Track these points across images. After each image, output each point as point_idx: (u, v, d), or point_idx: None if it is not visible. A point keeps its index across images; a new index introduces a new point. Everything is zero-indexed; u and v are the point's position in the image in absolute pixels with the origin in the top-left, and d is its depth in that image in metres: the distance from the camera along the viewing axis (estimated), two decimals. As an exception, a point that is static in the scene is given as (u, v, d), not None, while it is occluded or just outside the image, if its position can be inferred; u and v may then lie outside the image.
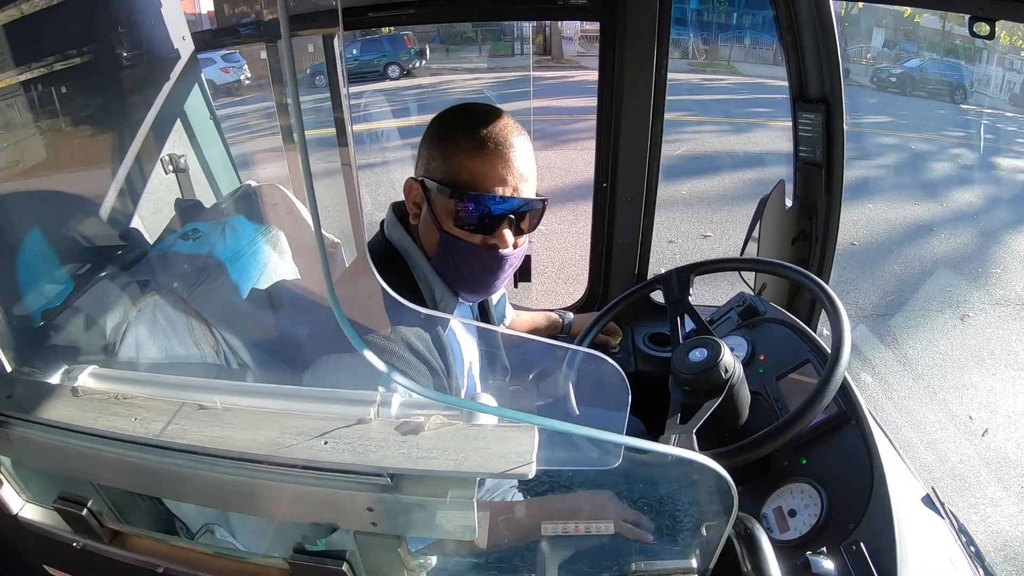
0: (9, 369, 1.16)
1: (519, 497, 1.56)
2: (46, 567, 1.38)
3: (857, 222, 7.78)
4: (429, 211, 1.46)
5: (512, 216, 1.44)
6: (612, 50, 2.31)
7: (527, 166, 1.45)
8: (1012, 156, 11.43)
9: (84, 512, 1.16)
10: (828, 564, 1.29)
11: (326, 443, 0.82)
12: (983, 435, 4.28)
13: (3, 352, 1.16)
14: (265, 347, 1.49)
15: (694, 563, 0.93)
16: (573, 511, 1.27)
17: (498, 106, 1.51)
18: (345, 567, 0.91)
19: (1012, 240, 7.66)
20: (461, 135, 1.43)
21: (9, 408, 1.10)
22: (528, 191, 1.46)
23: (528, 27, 17.32)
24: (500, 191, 1.42)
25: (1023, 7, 1.55)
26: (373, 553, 0.92)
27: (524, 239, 1.51)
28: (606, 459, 0.90)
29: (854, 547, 1.35)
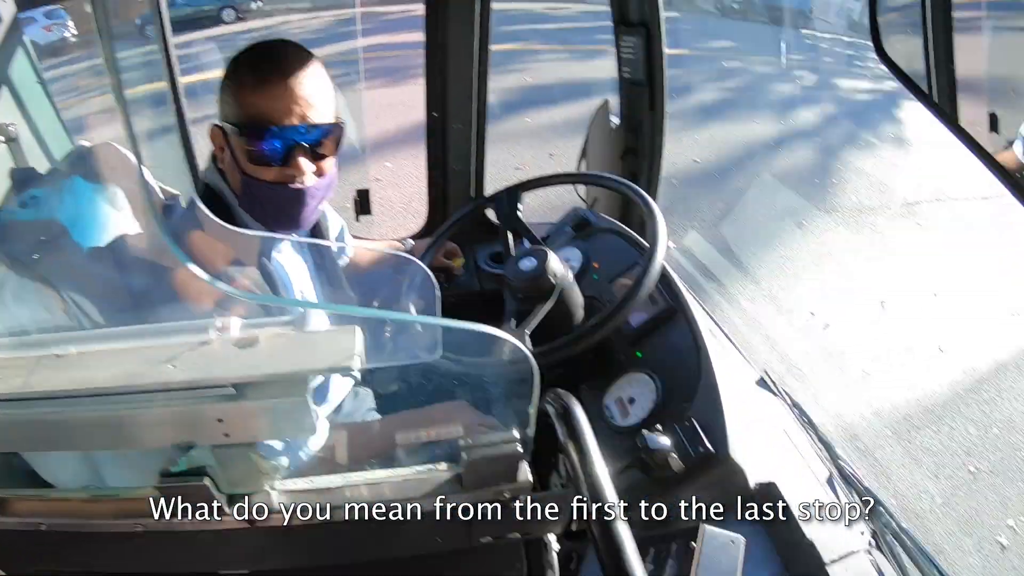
0: None
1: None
2: None
3: (699, 141, 8.11)
4: (230, 155, 1.50)
5: (305, 144, 1.47)
6: None
7: (315, 92, 1.47)
8: (850, 77, 11.92)
9: None
10: (663, 439, 1.43)
11: (174, 366, 0.89)
12: (824, 329, 4.72)
13: None
14: (112, 303, 1.50)
15: (515, 433, 1.04)
16: (428, 420, 1.37)
17: (288, 39, 1.55)
18: (207, 481, 0.99)
19: (847, 154, 8.19)
20: (246, 73, 1.46)
21: None
22: (318, 116, 1.48)
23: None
24: (287, 121, 1.44)
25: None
26: (230, 464, 0.99)
27: (328, 164, 1.55)
28: (427, 353, 1.02)
29: (687, 423, 1.50)
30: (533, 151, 7.72)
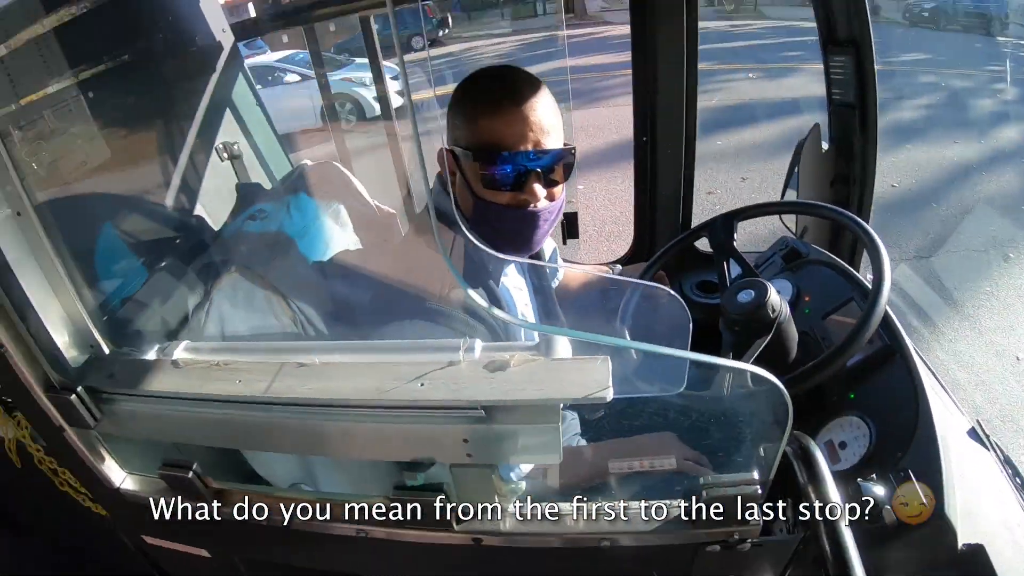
0: (107, 351, 1.23)
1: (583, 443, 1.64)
2: (145, 538, 1.49)
3: (896, 164, 7.64)
4: (462, 177, 1.51)
5: (539, 170, 1.47)
6: (642, 5, 2.35)
7: (547, 118, 1.47)
8: None
9: (190, 475, 1.23)
10: (879, 489, 1.34)
11: (422, 384, 0.91)
12: (1031, 376, 4.24)
13: (100, 336, 1.23)
14: (337, 315, 1.56)
15: (756, 475, 1.01)
16: (637, 450, 1.35)
17: (514, 65, 1.55)
18: (442, 498, 1.01)
19: (1059, 177, 7.46)
20: (479, 98, 1.47)
21: (113, 386, 1.19)
22: (551, 143, 1.47)
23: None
24: (522, 147, 1.44)
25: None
26: (467, 484, 1.02)
27: (559, 190, 1.54)
28: (672, 386, 0.98)
29: (902, 473, 1.40)
30: (725, 174, 7.51)
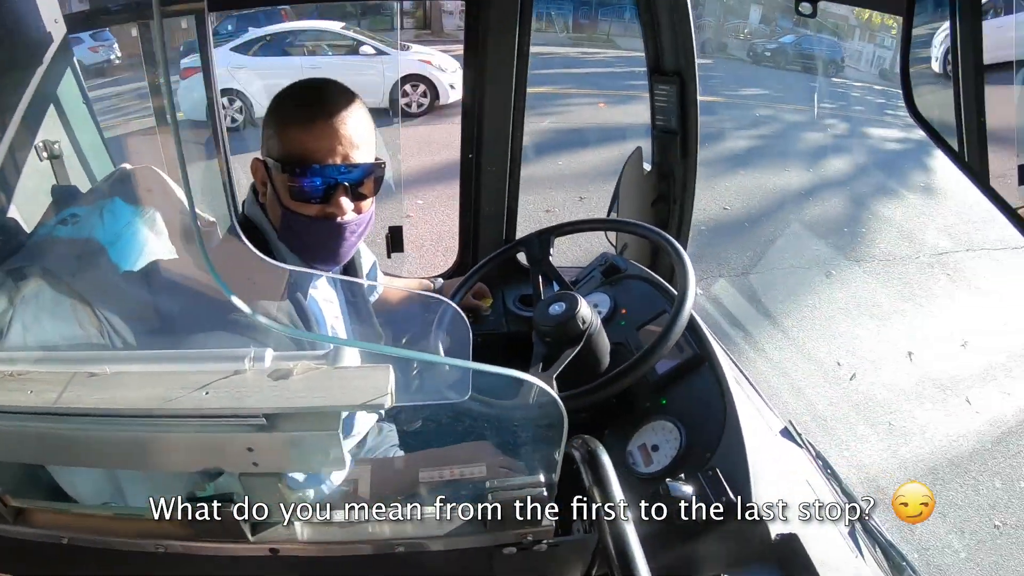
0: None
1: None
2: None
3: (729, 189, 8.12)
4: (272, 189, 1.54)
5: (347, 184, 1.50)
6: (476, 26, 2.42)
7: (359, 133, 1.51)
8: (881, 126, 11.93)
9: None
10: (685, 488, 1.43)
11: (207, 393, 0.92)
12: (851, 379, 4.67)
13: None
14: (145, 325, 1.53)
15: (541, 477, 1.06)
16: (450, 459, 1.38)
17: (331, 79, 1.59)
18: (234, 508, 1.02)
19: (876, 203, 8.15)
20: (292, 110, 1.51)
21: None
22: (361, 157, 1.52)
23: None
24: (331, 160, 1.48)
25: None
26: (257, 493, 1.02)
27: (367, 204, 1.58)
28: (456, 393, 1.03)
29: (710, 472, 1.50)
30: (563, 194, 7.78)
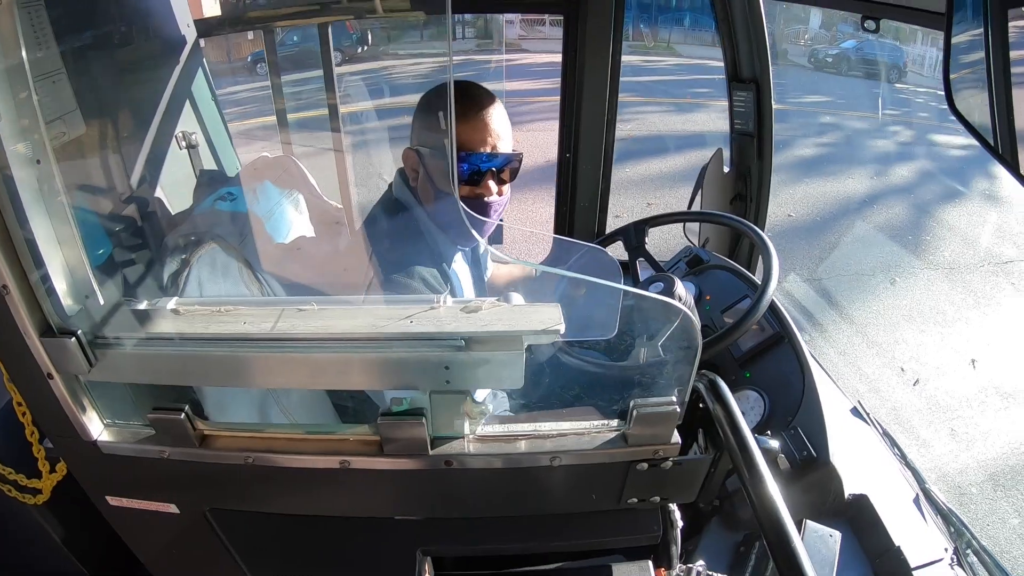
0: (102, 301, 1.29)
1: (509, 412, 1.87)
2: (109, 499, 1.51)
3: (795, 196, 8.20)
4: (425, 173, 1.78)
5: (494, 169, 1.76)
6: (574, 38, 2.66)
7: (502, 127, 1.77)
8: (945, 133, 11.64)
9: (181, 416, 1.29)
10: (773, 442, 1.65)
11: (411, 321, 1.13)
12: (915, 384, 4.73)
13: (97, 286, 1.28)
14: (300, 291, 1.77)
15: (674, 398, 1.24)
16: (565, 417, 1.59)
17: (474, 81, 1.83)
18: (423, 421, 1.22)
19: (941, 211, 8.15)
20: (447, 107, 1.74)
21: (111, 331, 1.26)
22: (505, 147, 1.77)
23: (471, 11, 17.06)
24: (482, 149, 1.73)
25: (898, 10, 1.95)
26: (443, 408, 1.23)
27: (506, 188, 1.83)
28: (606, 330, 1.23)
29: (792, 431, 1.71)
30: (632, 200, 7.97)
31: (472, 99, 1.76)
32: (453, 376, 1.16)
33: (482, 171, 1.75)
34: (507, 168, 1.79)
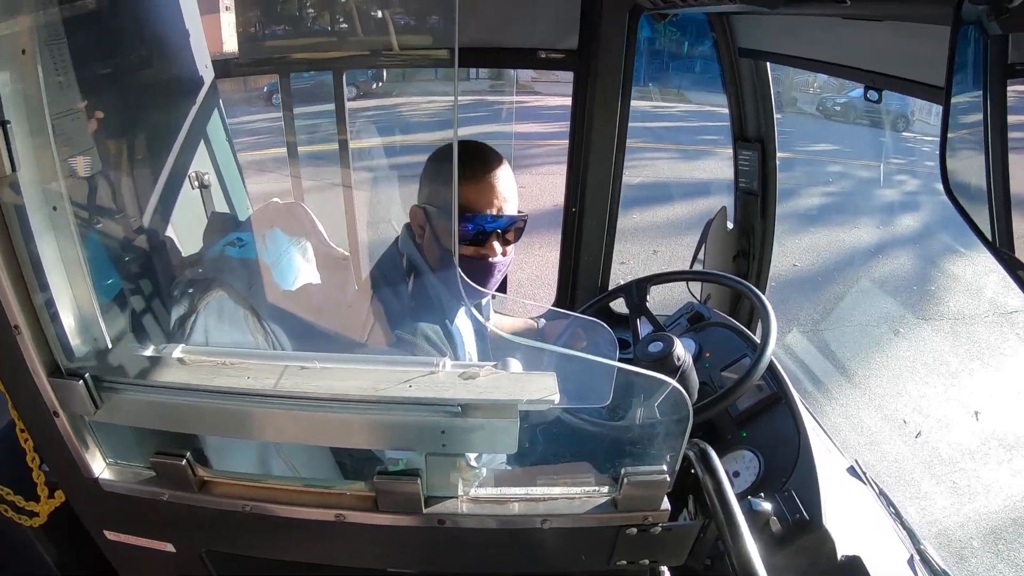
0: (110, 344, 1.34)
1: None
2: (107, 534, 1.54)
3: (799, 245, 8.24)
4: (431, 232, 1.81)
5: (499, 231, 1.80)
6: (583, 95, 2.71)
7: (508, 189, 1.81)
8: None
9: (183, 462, 1.32)
10: (765, 504, 1.66)
11: (411, 386, 1.16)
12: (916, 437, 4.72)
13: (105, 329, 1.33)
14: (306, 339, 1.80)
15: (664, 467, 1.27)
16: (560, 473, 1.61)
17: (482, 142, 1.87)
18: (418, 481, 1.25)
19: (945, 261, 8.15)
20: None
21: (117, 375, 1.30)
22: (511, 209, 1.82)
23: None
24: (488, 211, 1.77)
25: (901, 83, 2.00)
26: (438, 469, 1.26)
27: (511, 249, 1.86)
28: (600, 399, 1.26)
29: (786, 493, 1.73)
30: (638, 247, 8.02)
31: (480, 161, 1.79)
32: (449, 440, 1.19)
33: (487, 232, 1.78)
34: (512, 229, 1.83)
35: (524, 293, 6.33)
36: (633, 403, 1.54)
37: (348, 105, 2.79)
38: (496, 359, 1.75)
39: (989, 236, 1.49)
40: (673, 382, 1.23)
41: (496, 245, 1.81)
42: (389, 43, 2.70)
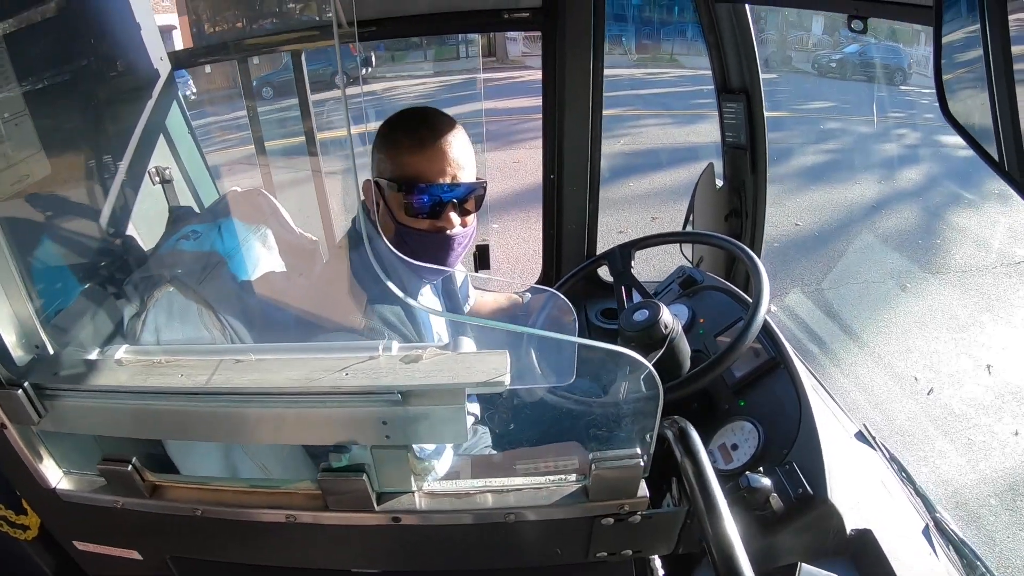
0: (52, 351, 1.28)
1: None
2: (76, 544, 1.51)
3: (800, 204, 8.11)
4: (384, 206, 1.70)
5: (455, 200, 1.66)
6: (553, 54, 2.57)
7: (463, 155, 1.68)
8: (951, 134, 11.58)
9: (128, 468, 1.27)
10: (764, 480, 1.53)
11: (347, 374, 1.06)
12: (928, 394, 4.59)
13: (46, 336, 1.27)
14: (264, 330, 1.69)
15: (638, 450, 1.16)
16: (542, 456, 1.50)
17: (431, 106, 1.75)
18: (364, 478, 1.15)
19: (950, 213, 8.03)
20: (403, 136, 1.66)
21: (57, 383, 1.23)
22: (467, 177, 1.68)
23: (473, 31, 17.16)
24: (441, 180, 1.64)
25: (886, 7, 1.85)
26: (386, 464, 1.16)
27: (471, 219, 1.73)
28: (563, 377, 1.15)
29: (787, 466, 1.60)
30: (636, 215, 7.89)
31: (428, 127, 1.67)
32: (392, 431, 1.08)
33: (443, 202, 1.66)
34: (470, 198, 1.70)
35: (523, 270, 6.23)
36: (603, 379, 1.42)
37: (339, 93, 2.67)
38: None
39: (996, 158, 1.36)
40: (639, 357, 1.12)
41: (453, 216, 1.67)
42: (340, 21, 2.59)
